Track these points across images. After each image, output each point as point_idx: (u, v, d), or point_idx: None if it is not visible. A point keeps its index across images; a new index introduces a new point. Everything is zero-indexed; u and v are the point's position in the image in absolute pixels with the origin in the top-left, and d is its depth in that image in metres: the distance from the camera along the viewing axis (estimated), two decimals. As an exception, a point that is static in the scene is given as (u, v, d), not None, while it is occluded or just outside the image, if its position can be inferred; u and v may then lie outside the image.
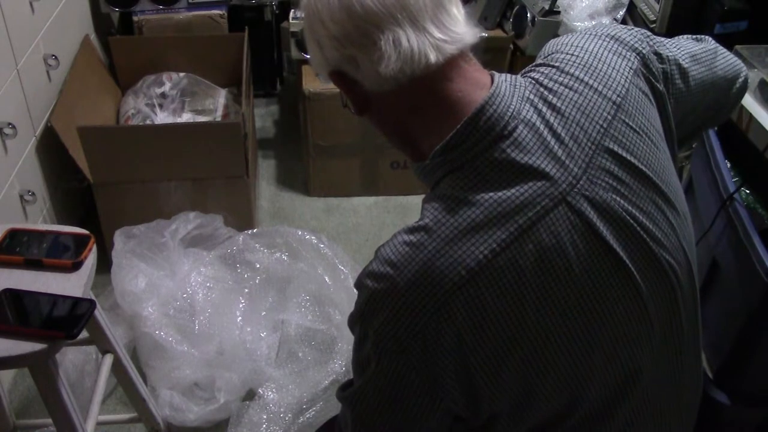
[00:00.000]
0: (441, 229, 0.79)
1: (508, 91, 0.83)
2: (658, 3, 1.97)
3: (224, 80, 2.44)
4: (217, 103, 2.36)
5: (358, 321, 0.85)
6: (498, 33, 2.45)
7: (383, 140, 0.98)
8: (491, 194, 0.79)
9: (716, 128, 1.45)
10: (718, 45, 1.04)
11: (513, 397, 0.83)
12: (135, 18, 2.40)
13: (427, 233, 0.80)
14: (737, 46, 1.44)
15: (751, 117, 1.31)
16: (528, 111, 0.82)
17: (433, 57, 0.80)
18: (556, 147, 0.81)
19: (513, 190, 0.79)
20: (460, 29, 0.84)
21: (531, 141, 0.80)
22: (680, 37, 1.05)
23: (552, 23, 2.27)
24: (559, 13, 2.29)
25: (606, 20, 2.29)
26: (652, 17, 2.03)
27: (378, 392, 0.85)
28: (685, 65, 0.96)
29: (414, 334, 0.79)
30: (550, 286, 0.79)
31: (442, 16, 0.82)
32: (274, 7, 2.65)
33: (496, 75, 0.86)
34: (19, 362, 1.05)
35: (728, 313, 1.31)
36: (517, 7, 2.37)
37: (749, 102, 1.34)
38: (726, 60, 1.03)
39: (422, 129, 0.85)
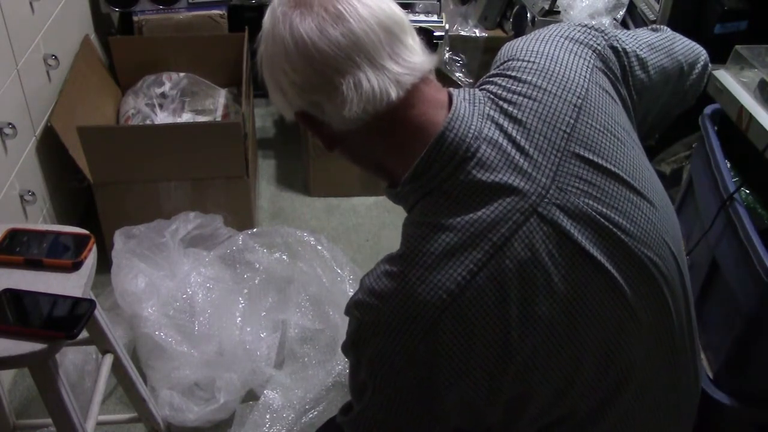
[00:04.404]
0: (418, 258, 0.80)
1: (467, 110, 0.83)
2: (658, 3, 1.98)
3: (224, 80, 2.44)
4: (217, 103, 2.36)
5: (350, 349, 0.86)
6: (498, 33, 2.44)
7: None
8: (463, 216, 0.80)
9: (716, 128, 1.45)
10: (675, 33, 1.05)
11: (507, 408, 0.84)
12: (135, 18, 2.40)
13: (406, 263, 0.81)
14: (737, 46, 1.44)
15: (751, 117, 1.31)
16: (489, 128, 0.82)
17: (394, 93, 0.81)
18: (521, 161, 0.81)
19: (483, 210, 0.79)
20: (418, 59, 0.84)
21: (495, 159, 0.80)
22: (637, 29, 1.05)
23: (552, 23, 2.27)
24: (559, 13, 2.29)
25: (606, 20, 2.29)
26: (652, 17, 2.03)
27: (379, 415, 0.86)
28: (644, 55, 0.96)
29: (406, 359, 0.80)
30: (533, 299, 0.80)
31: (399, 50, 0.82)
32: (274, 7, 2.65)
33: (454, 94, 0.85)
34: (19, 362, 1.05)
35: (728, 313, 1.31)
36: (517, 7, 2.37)
37: (749, 102, 1.34)
38: (684, 45, 1.04)
39: (392, 157, 0.86)
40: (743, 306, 1.24)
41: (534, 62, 0.87)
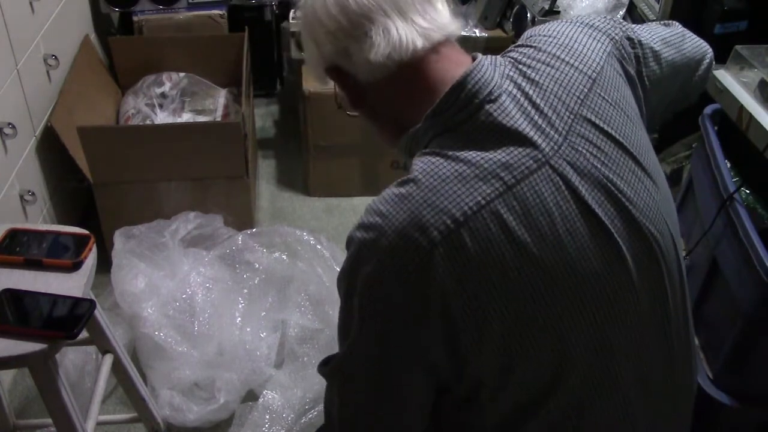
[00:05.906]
0: (428, 179, 0.82)
1: (489, 68, 0.87)
2: (658, 3, 1.97)
3: (224, 80, 2.44)
4: (217, 103, 2.36)
5: (346, 276, 0.86)
6: (498, 33, 2.44)
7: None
8: (478, 153, 0.83)
9: (716, 128, 1.45)
10: (685, 29, 1.10)
11: (496, 359, 0.83)
12: (135, 18, 2.40)
13: (415, 184, 0.83)
14: (737, 46, 1.44)
15: (751, 117, 1.30)
16: (509, 85, 0.86)
17: (420, 43, 0.87)
18: (536, 117, 0.84)
19: (499, 152, 0.82)
20: (446, 20, 0.90)
21: (514, 110, 0.84)
22: (650, 23, 1.10)
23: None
24: (559, 13, 2.29)
25: (606, 20, 2.28)
26: (652, 17, 2.03)
27: (364, 352, 0.86)
28: (657, 48, 1.01)
29: (400, 283, 0.81)
30: (535, 244, 0.81)
31: (429, 10, 0.89)
32: (274, 7, 2.66)
33: (479, 54, 0.90)
34: (19, 362, 1.05)
35: (728, 313, 1.31)
36: (517, 7, 2.37)
37: (749, 102, 1.34)
38: (693, 42, 1.09)
39: (413, 111, 0.89)
40: (743, 306, 1.24)
41: (554, 37, 0.93)
